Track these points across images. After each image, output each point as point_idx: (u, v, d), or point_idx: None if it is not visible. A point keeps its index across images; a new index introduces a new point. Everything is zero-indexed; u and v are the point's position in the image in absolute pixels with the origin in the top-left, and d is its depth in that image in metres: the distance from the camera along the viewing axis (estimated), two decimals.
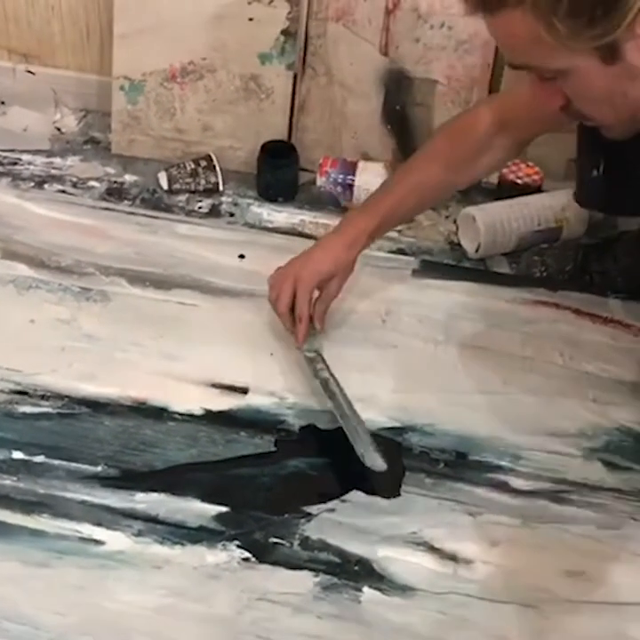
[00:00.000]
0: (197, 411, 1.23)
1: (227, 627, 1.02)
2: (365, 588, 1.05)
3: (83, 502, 1.12)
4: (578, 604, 1.04)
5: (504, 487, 1.15)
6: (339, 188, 1.51)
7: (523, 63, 0.91)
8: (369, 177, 1.49)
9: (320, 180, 1.51)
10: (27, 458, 1.15)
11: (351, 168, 1.51)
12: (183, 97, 1.57)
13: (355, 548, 1.09)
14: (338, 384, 1.23)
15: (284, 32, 1.50)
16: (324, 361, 1.26)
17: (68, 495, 1.13)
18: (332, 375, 1.24)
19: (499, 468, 1.17)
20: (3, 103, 1.73)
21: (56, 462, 1.16)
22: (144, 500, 1.12)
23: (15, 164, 1.61)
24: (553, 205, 1.44)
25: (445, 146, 1.27)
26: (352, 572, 1.07)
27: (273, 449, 1.18)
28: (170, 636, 1.01)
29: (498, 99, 1.35)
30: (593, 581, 1.07)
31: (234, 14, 1.49)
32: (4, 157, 1.62)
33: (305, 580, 1.06)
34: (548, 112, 1.00)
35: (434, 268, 1.44)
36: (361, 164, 1.51)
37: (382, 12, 1.47)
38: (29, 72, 1.70)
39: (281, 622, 1.02)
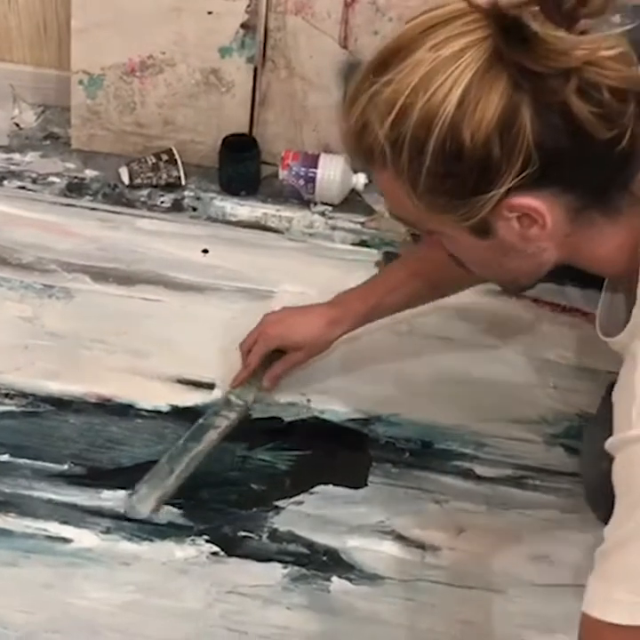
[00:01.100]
0: (164, 407, 1.23)
1: (197, 620, 1.03)
2: (334, 578, 1.07)
3: (49, 501, 1.13)
4: (543, 588, 1.08)
5: (469, 474, 1.18)
6: (301, 181, 1.51)
7: (399, 216, 0.86)
8: (330, 169, 1.50)
9: (282, 174, 1.51)
10: None
11: (313, 161, 1.51)
12: (143, 91, 1.56)
13: (323, 538, 1.11)
14: (212, 442, 1.18)
15: (244, 25, 1.49)
16: (237, 416, 1.20)
17: (35, 494, 1.13)
18: (220, 432, 1.19)
19: (463, 456, 1.20)
20: None
21: (21, 461, 1.16)
22: (111, 498, 1.13)
23: None
24: None
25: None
26: (321, 562, 1.09)
27: (241, 444, 1.19)
28: (140, 632, 1.02)
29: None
30: (557, 565, 1.10)
31: (193, 8, 1.48)
32: None
33: (274, 572, 1.08)
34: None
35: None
36: (322, 157, 1.52)
37: (341, 4, 1.47)
38: None
39: (251, 614, 1.04)
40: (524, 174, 0.73)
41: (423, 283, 1.17)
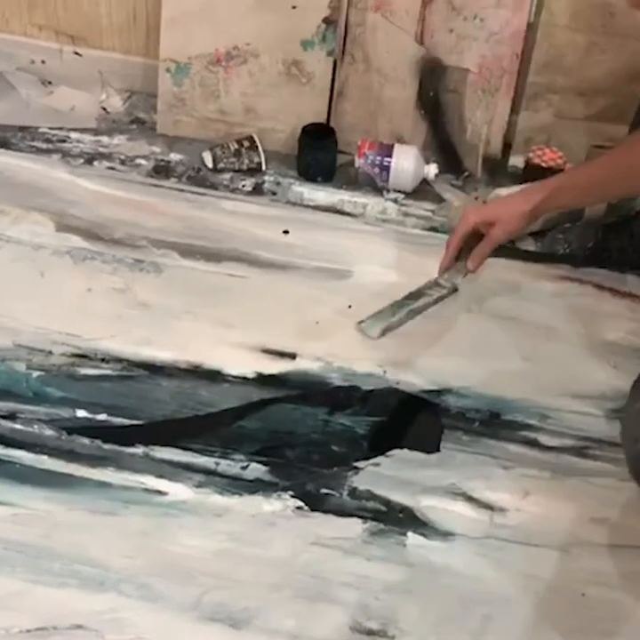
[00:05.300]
0: (250, 374, 1.31)
1: (283, 568, 1.11)
2: (409, 533, 1.16)
3: (145, 455, 1.20)
4: (601, 547, 1.16)
5: (534, 443, 1.26)
6: (376, 169, 1.59)
7: None
8: (404, 159, 1.58)
9: (358, 162, 1.59)
10: (90, 416, 1.24)
11: (388, 150, 1.59)
12: (227, 80, 1.64)
13: (399, 497, 1.19)
14: (426, 304, 1.37)
15: (326, 20, 1.57)
16: (446, 293, 1.37)
17: (131, 450, 1.21)
18: (434, 299, 1.37)
19: (529, 427, 1.28)
20: (50, 83, 1.79)
21: (117, 420, 1.24)
22: (202, 455, 1.21)
23: (64, 141, 1.68)
24: None
25: None
26: (397, 519, 1.17)
27: (323, 408, 1.27)
28: (231, 577, 1.10)
29: None
30: (615, 527, 1.18)
31: (278, 2, 1.56)
32: (54, 135, 1.69)
33: (354, 527, 1.16)
34: None
35: None
36: (397, 147, 1.59)
37: (419, 3, 1.55)
38: (76, 54, 1.76)
39: (333, 564, 1.12)
40: None
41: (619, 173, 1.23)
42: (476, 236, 1.32)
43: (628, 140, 1.28)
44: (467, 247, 1.34)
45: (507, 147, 1.67)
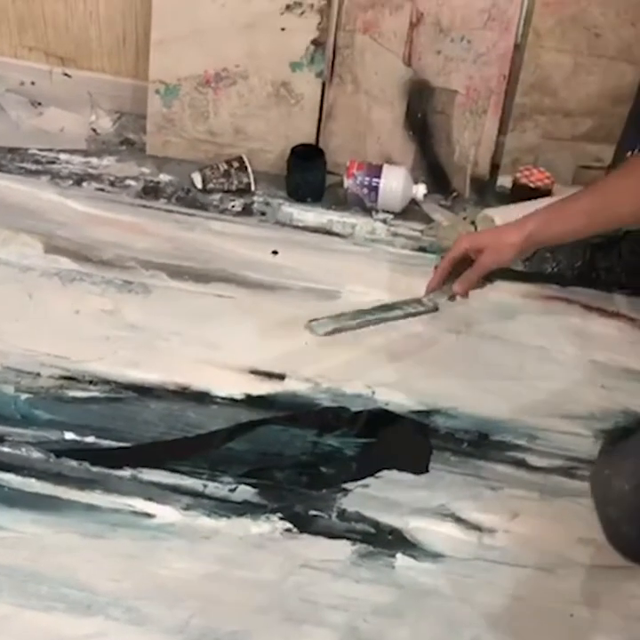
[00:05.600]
0: (238, 395, 1.31)
1: (271, 590, 1.11)
2: (398, 555, 1.16)
3: (133, 478, 1.20)
4: (589, 568, 1.16)
5: (522, 464, 1.26)
6: (365, 190, 1.60)
7: None
8: (393, 179, 1.59)
9: (347, 182, 1.60)
10: (78, 438, 1.23)
11: (376, 171, 1.60)
12: (217, 101, 1.65)
13: (388, 519, 1.19)
14: (396, 316, 1.39)
15: (314, 42, 1.59)
16: (424, 310, 1.38)
17: (119, 473, 1.20)
18: (405, 314, 1.38)
19: (517, 447, 1.28)
20: (40, 104, 1.80)
21: (105, 443, 1.23)
22: (190, 477, 1.21)
23: (53, 162, 1.69)
24: None
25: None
26: (386, 540, 1.17)
27: (311, 430, 1.27)
28: (219, 600, 1.10)
29: None
30: (602, 547, 1.15)
31: (267, 24, 1.58)
32: (43, 156, 1.70)
33: (343, 549, 1.16)
34: None
35: None
36: (385, 168, 1.60)
37: (406, 25, 1.56)
38: (66, 75, 1.77)
39: (322, 586, 1.12)
40: None
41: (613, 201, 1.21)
42: (466, 262, 1.33)
43: (622, 166, 1.28)
44: (456, 272, 1.34)
45: (494, 167, 1.68)
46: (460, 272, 1.33)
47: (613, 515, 1.09)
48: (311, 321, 1.40)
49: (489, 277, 1.34)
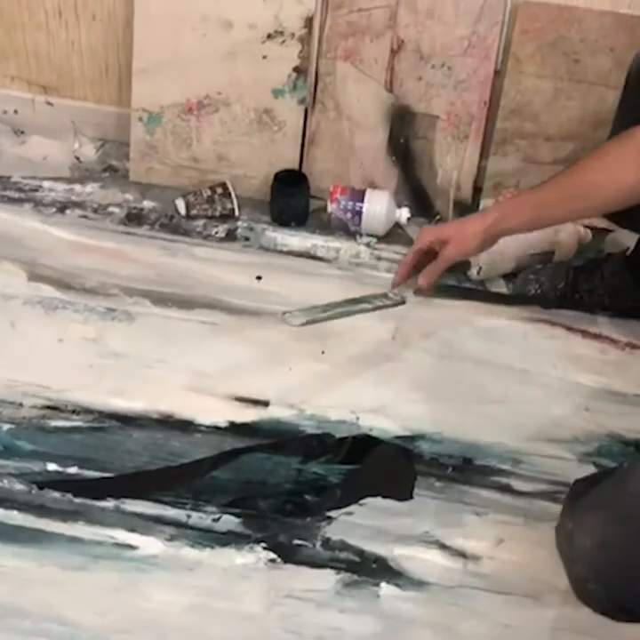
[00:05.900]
0: (222, 423, 1.31)
1: (256, 622, 1.10)
2: (383, 584, 1.15)
3: (116, 509, 1.19)
4: (574, 594, 1.14)
5: (507, 489, 1.26)
6: (348, 214, 1.60)
7: None
8: (376, 203, 1.59)
9: (331, 207, 1.61)
10: (61, 469, 1.22)
11: (360, 195, 1.60)
12: (199, 128, 1.66)
13: (372, 547, 1.18)
14: (364, 309, 1.43)
15: (296, 69, 1.60)
16: (391, 304, 1.42)
17: (102, 504, 1.19)
18: (374, 307, 1.42)
19: (501, 472, 1.28)
20: (23, 133, 1.80)
21: (88, 473, 1.23)
22: (173, 508, 1.20)
23: (36, 190, 1.69)
24: (547, 230, 1.53)
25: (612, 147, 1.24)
26: (371, 569, 1.16)
27: (295, 458, 1.27)
28: (203, 632, 1.09)
29: None
30: None
31: (249, 52, 1.59)
32: (25, 184, 1.70)
33: (327, 578, 1.15)
34: None
35: (438, 288, 1.51)
36: (369, 192, 1.61)
37: (387, 52, 1.58)
38: (48, 103, 1.78)
39: (306, 617, 1.11)
40: None
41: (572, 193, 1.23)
42: (430, 255, 1.34)
43: (582, 160, 1.28)
44: (421, 265, 1.37)
45: (477, 190, 1.69)
46: (424, 265, 1.34)
47: (580, 573, 1.09)
48: (285, 313, 1.44)
49: (452, 269, 1.37)
